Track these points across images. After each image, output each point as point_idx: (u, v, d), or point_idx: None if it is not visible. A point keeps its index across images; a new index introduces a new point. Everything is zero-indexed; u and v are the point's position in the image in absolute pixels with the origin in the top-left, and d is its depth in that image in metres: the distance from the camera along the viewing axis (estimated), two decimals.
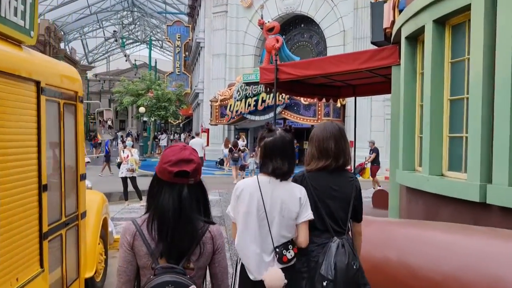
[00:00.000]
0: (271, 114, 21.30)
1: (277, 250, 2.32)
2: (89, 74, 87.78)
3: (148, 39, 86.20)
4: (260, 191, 2.34)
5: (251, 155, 17.41)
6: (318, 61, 6.31)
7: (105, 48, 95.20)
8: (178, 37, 37.85)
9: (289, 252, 2.33)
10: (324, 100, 9.01)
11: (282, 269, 2.30)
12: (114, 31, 39.22)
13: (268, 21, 22.44)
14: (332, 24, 22.13)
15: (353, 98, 20.77)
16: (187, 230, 1.58)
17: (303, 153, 23.94)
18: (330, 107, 19.97)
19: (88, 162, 24.25)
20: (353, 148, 20.67)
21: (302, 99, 20.05)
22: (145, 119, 27.30)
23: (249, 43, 25.39)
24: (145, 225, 1.61)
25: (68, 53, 67.08)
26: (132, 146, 9.63)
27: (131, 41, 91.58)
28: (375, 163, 14.55)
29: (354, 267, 2.32)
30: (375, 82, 8.24)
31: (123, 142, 9.41)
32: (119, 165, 9.38)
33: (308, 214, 2.36)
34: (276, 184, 2.36)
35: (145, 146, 27.53)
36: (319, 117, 19.91)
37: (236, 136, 23.66)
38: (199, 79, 29.60)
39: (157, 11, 47.71)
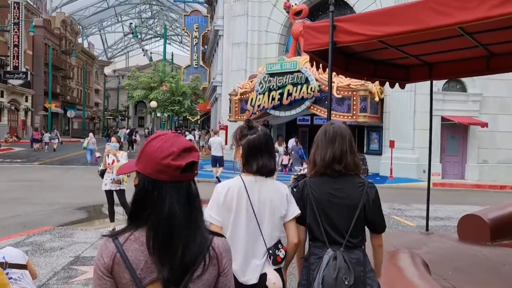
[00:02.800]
0: (298, 109, 18.64)
1: (270, 251, 2.26)
2: (109, 70, 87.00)
3: (168, 34, 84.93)
4: (247, 191, 2.28)
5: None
6: (409, 9, 3.65)
7: (124, 44, 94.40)
8: (196, 28, 35.45)
9: (280, 252, 2.31)
10: (387, 84, 6.31)
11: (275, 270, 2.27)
12: (130, 23, 37.02)
13: (295, 4, 19.81)
14: (369, 6, 19.25)
15: (395, 89, 17.98)
16: (195, 239, 1.26)
17: None
18: (367, 101, 17.17)
19: (99, 156, 22.20)
20: (391, 150, 18.14)
21: (335, 91, 17.32)
22: (158, 114, 24.96)
23: (273, 30, 22.76)
24: (130, 244, 1.25)
25: (86, 47, 65.98)
26: (120, 148, 7.10)
27: (150, 36, 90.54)
28: None
29: (346, 282, 2.13)
30: (467, 58, 5.57)
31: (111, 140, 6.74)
32: (102, 173, 6.91)
33: (295, 210, 2.32)
34: (262, 182, 2.32)
35: None
36: (354, 112, 17.14)
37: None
38: (217, 70, 27.12)
39: (174, 1, 45.35)
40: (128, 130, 27.05)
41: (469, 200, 12.23)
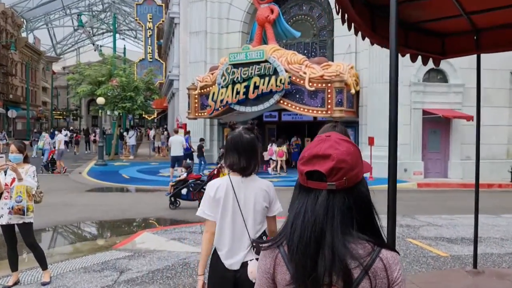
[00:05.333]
0: (266, 104, 16.59)
1: (254, 243, 2.44)
2: (58, 67, 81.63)
3: (121, 28, 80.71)
4: (233, 188, 2.50)
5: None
6: None
7: (74, 39, 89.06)
8: (150, 18, 32.70)
9: None
10: (419, 59, 4.39)
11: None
12: (78, 14, 33.70)
13: None
14: None
15: (372, 80, 16.23)
16: (326, 255, 1.14)
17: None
18: (343, 94, 15.39)
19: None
20: (370, 147, 16.55)
21: (307, 84, 15.44)
22: (108, 112, 22.22)
23: (235, 18, 20.62)
24: (283, 241, 1.23)
25: (32, 42, 61.12)
26: (25, 160, 4.76)
27: (102, 31, 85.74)
28: None
29: None
30: None
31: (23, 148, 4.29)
32: None
33: (278, 208, 2.59)
34: (246, 181, 2.53)
35: (109, 147, 22.49)
36: (329, 107, 15.31)
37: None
38: (173, 63, 24.65)
39: None
40: (82, 130, 24.39)
41: (469, 205, 10.67)
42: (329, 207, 1.17)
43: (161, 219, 8.75)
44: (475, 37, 4.44)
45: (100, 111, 19.95)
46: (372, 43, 3.86)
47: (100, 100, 18.64)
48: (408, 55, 4.23)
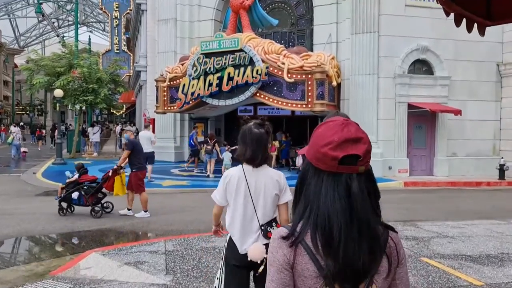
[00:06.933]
0: (241, 97, 15.22)
1: (262, 228, 2.67)
2: (22, 60, 77.65)
3: (89, 21, 77.54)
4: (245, 178, 2.73)
5: (227, 148, 14.51)
6: None
7: (39, 31, 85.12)
8: (116, 7, 30.76)
9: (273, 228, 2.68)
10: (464, 23, 3.13)
11: (265, 244, 2.59)
12: (40, 2, 31.33)
13: None
14: None
15: (354, 72, 15.07)
16: (363, 239, 1.16)
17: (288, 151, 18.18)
18: (324, 86, 14.22)
19: (26, 152, 20.03)
20: None
21: (285, 75, 14.20)
22: (69, 107, 20.41)
23: (207, 5, 19.17)
24: (307, 235, 1.19)
25: None
26: None
27: (69, 23, 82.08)
28: None
29: None
30: None
31: None
32: None
33: (287, 196, 2.74)
34: (259, 171, 2.74)
35: (70, 143, 20.67)
36: (309, 100, 14.13)
37: (194, 128, 17.49)
38: (140, 53, 22.94)
39: None
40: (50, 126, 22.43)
41: (467, 207, 9.71)
42: (363, 189, 1.18)
43: (118, 231, 7.33)
44: None
45: (57, 104, 18.13)
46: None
47: (58, 93, 16.83)
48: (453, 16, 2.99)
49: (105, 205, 8.51)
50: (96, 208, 8.21)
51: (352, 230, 1.15)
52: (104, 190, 8.39)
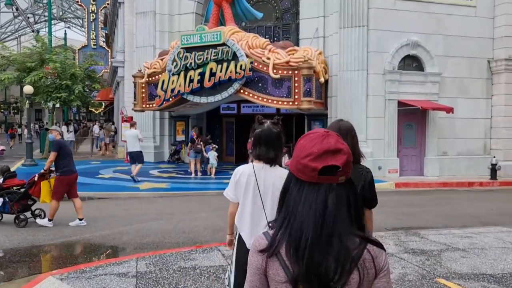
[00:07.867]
0: (224, 94, 14.35)
1: (270, 224, 2.14)
2: None
3: (66, 16, 75.38)
4: (255, 175, 2.80)
5: (212, 147, 14.40)
6: None
7: (15, 27, 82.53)
8: (93, 1, 29.48)
9: None
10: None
11: None
12: None
13: None
14: None
15: (342, 68, 14.40)
16: (330, 250, 1.17)
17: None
18: (312, 83, 13.52)
19: (4, 150, 19.27)
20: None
21: (271, 71, 13.45)
22: (42, 104, 19.26)
23: None
24: (282, 243, 1.22)
25: None
26: None
27: (46, 18, 79.72)
28: None
29: None
30: None
31: None
32: None
33: None
34: (267, 169, 2.81)
35: (42, 144, 19.52)
36: (296, 97, 13.39)
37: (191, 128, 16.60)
38: (118, 48, 21.87)
39: None
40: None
41: (465, 210, 9.14)
42: (341, 200, 1.20)
43: (85, 244, 6.47)
44: None
45: (26, 101, 16.99)
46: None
47: (28, 89, 15.73)
48: None
49: (36, 212, 7.67)
50: (21, 216, 7.37)
51: (319, 240, 1.16)
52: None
